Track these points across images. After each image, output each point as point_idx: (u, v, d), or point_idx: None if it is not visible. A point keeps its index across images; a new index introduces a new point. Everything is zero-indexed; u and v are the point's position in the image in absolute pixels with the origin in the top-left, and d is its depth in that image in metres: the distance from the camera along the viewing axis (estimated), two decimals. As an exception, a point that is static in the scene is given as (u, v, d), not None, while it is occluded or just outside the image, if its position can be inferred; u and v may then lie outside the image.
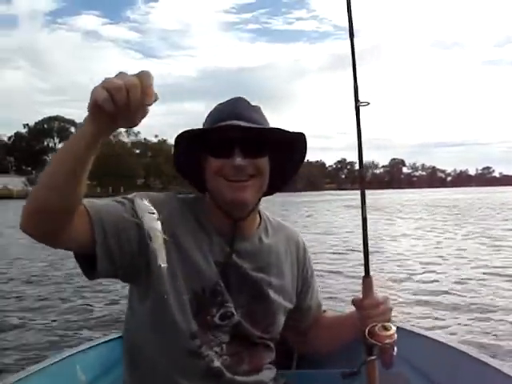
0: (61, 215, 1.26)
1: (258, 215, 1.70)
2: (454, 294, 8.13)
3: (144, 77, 1.11)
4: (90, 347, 2.21)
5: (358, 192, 1.72)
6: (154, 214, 1.25)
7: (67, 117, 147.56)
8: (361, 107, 1.67)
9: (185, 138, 1.50)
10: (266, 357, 1.68)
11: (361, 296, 1.63)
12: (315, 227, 22.07)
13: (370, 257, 1.69)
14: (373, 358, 1.57)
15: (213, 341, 1.55)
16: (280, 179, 1.67)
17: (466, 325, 6.34)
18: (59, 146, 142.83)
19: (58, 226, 1.28)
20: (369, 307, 1.59)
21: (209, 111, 1.60)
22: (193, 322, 1.52)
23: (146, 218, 1.26)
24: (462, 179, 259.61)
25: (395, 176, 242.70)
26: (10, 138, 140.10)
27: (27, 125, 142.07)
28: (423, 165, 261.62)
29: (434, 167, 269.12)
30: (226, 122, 1.48)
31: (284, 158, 1.61)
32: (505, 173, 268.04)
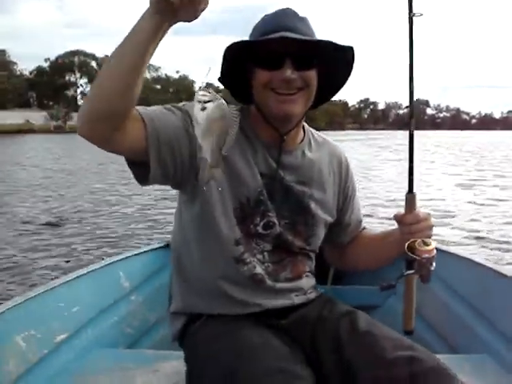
0: (117, 113, 1.28)
1: (302, 129, 1.70)
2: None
3: None
4: (133, 255, 2.29)
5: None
6: (205, 102, 1.17)
7: (88, 51, 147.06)
8: (414, 18, 1.58)
9: (233, 49, 1.46)
10: (306, 265, 1.72)
11: (403, 212, 1.63)
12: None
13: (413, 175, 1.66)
14: (411, 271, 1.59)
15: (255, 248, 1.59)
16: (326, 92, 1.65)
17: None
18: (80, 81, 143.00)
19: (114, 127, 1.29)
20: (411, 222, 1.59)
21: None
22: (237, 229, 1.56)
23: (193, 106, 1.19)
24: (486, 122, 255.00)
25: (419, 117, 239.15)
26: (31, 72, 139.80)
27: (48, 59, 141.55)
28: (447, 106, 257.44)
29: (458, 109, 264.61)
30: (274, 33, 1.46)
31: (332, 71, 1.59)
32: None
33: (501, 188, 14.01)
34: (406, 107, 1.67)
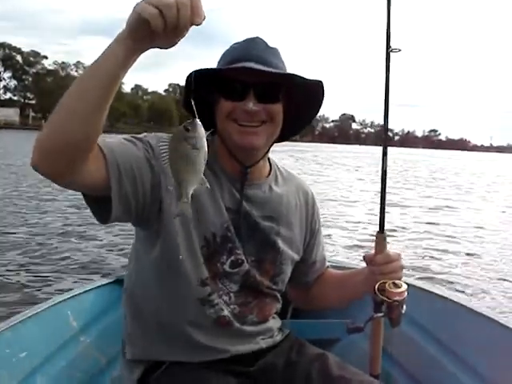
0: (80, 147, 1.17)
1: (268, 163, 1.65)
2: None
3: None
4: (82, 292, 2.16)
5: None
6: (187, 131, 1.09)
7: (14, 44, 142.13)
8: (391, 54, 1.59)
9: (196, 76, 1.37)
10: (273, 307, 1.66)
11: (373, 251, 1.61)
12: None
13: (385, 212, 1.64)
14: (380, 314, 1.55)
15: (222, 289, 1.51)
16: (292, 127, 1.60)
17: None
18: (4, 74, 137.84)
19: (75, 161, 1.19)
20: (381, 263, 1.56)
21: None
22: (204, 268, 1.48)
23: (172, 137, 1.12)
24: (408, 139, 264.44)
25: (344, 131, 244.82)
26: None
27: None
28: (372, 122, 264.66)
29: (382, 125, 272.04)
30: (241, 63, 1.41)
31: (298, 106, 1.55)
32: (450, 136, 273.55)
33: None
34: (383, 147, 1.70)
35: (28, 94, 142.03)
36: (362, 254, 1.64)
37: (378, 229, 1.64)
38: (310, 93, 1.53)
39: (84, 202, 1.37)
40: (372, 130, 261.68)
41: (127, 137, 1.43)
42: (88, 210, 1.40)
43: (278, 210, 1.61)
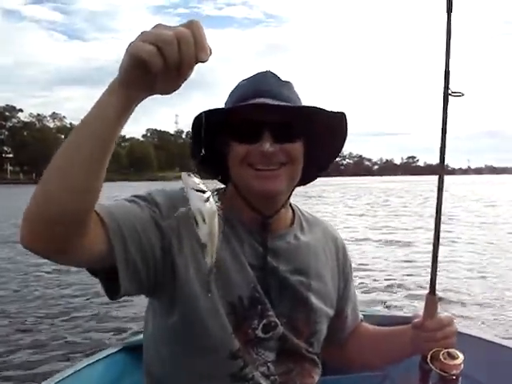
0: (76, 218, 0.99)
1: (290, 209, 1.49)
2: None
3: (196, 27, 0.90)
4: (86, 366, 2.00)
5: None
6: (203, 192, 0.97)
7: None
8: (450, 97, 1.37)
9: (201, 120, 1.19)
10: (315, 373, 1.47)
11: (421, 315, 1.42)
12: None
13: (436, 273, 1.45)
14: None
15: (257, 360, 1.33)
16: (315, 167, 1.44)
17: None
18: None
19: (72, 235, 1.01)
20: (433, 329, 1.38)
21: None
22: (233, 338, 1.29)
23: (192, 196, 0.97)
24: (388, 168, 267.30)
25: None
26: None
27: None
28: (350, 153, 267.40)
29: (361, 156, 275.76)
30: (251, 100, 1.26)
31: (320, 143, 1.38)
32: (428, 162, 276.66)
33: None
34: (437, 205, 1.43)
35: (5, 148, 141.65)
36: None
37: (427, 290, 1.44)
38: (331, 127, 1.36)
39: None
40: (351, 161, 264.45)
41: (128, 197, 1.27)
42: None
43: (306, 261, 1.44)
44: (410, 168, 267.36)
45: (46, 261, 1.07)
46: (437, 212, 1.42)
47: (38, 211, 0.98)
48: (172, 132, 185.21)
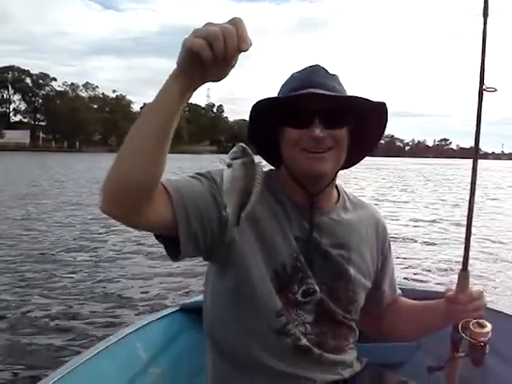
0: (143, 187, 1.19)
1: (335, 190, 1.65)
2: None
3: (238, 23, 1.07)
4: (148, 323, 2.18)
5: None
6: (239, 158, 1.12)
7: (23, 67, 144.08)
8: (485, 93, 1.52)
9: (257, 107, 1.43)
10: (350, 337, 1.63)
11: (454, 289, 1.57)
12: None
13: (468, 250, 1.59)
14: (462, 354, 1.53)
15: (296, 320, 1.51)
16: (358, 152, 1.60)
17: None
18: (14, 97, 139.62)
19: (140, 202, 1.21)
20: (465, 302, 1.54)
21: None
22: (277, 299, 1.47)
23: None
24: (419, 149, 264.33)
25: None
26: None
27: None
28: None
29: (392, 136, 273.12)
30: (303, 90, 1.41)
31: (363, 130, 1.54)
32: (461, 145, 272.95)
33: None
34: (471, 188, 1.59)
35: (38, 116, 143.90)
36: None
37: (459, 265, 1.59)
38: (373, 115, 1.53)
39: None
40: (382, 142, 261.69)
41: (192, 174, 1.46)
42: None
43: (348, 237, 1.60)
44: (441, 150, 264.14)
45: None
46: (471, 192, 1.56)
47: (114, 180, 1.19)
48: (203, 105, 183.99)
